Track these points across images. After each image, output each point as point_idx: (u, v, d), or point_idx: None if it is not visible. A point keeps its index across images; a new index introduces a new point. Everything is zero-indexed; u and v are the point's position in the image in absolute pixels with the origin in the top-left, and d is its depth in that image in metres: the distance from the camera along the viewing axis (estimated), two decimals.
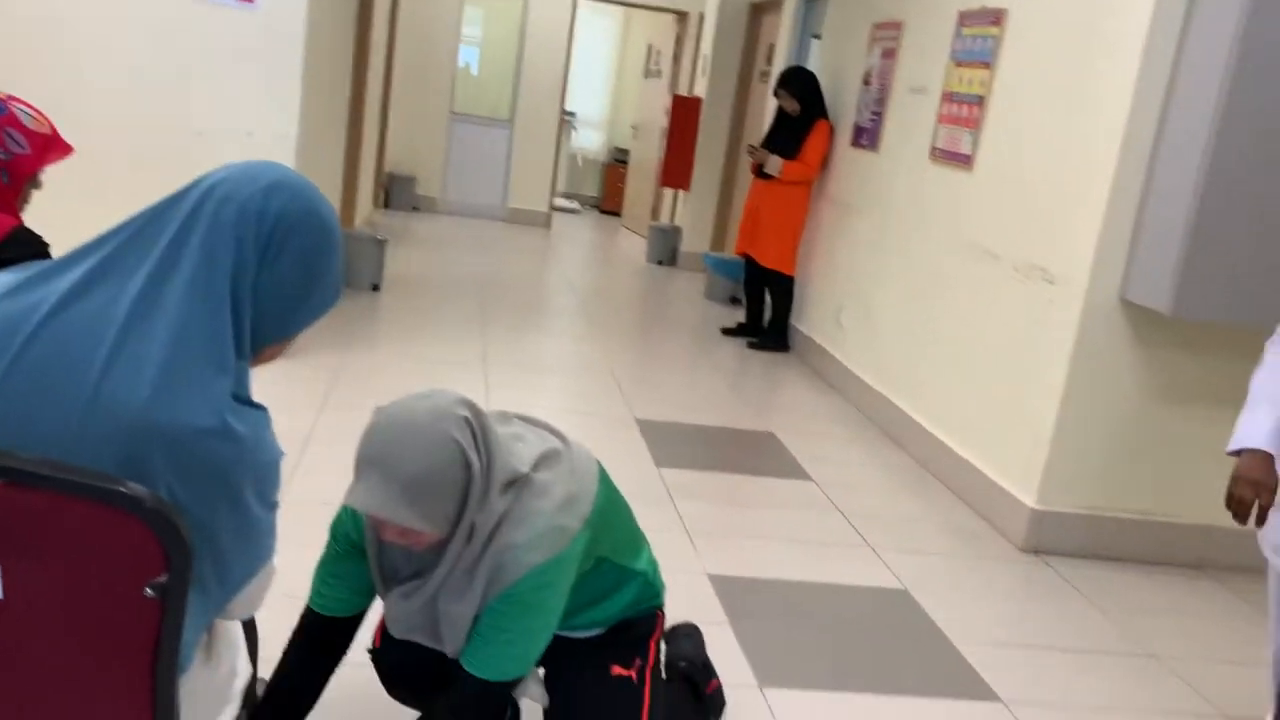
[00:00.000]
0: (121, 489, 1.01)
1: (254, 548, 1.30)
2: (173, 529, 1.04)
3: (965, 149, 4.62)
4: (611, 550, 2.00)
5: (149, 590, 1.06)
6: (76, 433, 1.12)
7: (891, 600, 3.28)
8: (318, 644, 1.90)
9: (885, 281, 5.39)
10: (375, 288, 6.84)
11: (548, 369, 5.61)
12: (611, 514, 2.00)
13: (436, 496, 1.64)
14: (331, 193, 6.60)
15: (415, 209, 11.49)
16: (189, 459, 1.15)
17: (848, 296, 5.88)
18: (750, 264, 6.77)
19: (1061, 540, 3.80)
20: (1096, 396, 3.73)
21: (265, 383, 5.01)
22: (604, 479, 1.98)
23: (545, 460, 1.85)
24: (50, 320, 1.18)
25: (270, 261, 1.31)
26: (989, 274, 4.32)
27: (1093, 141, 3.71)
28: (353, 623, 1.93)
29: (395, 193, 11.24)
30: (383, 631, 2.01)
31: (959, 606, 3.29)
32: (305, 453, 3.81)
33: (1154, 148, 3.54)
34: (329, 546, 1.90)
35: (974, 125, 4.56)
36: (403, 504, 1.60)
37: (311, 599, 1.91)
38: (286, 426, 3.99)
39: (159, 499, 1.03)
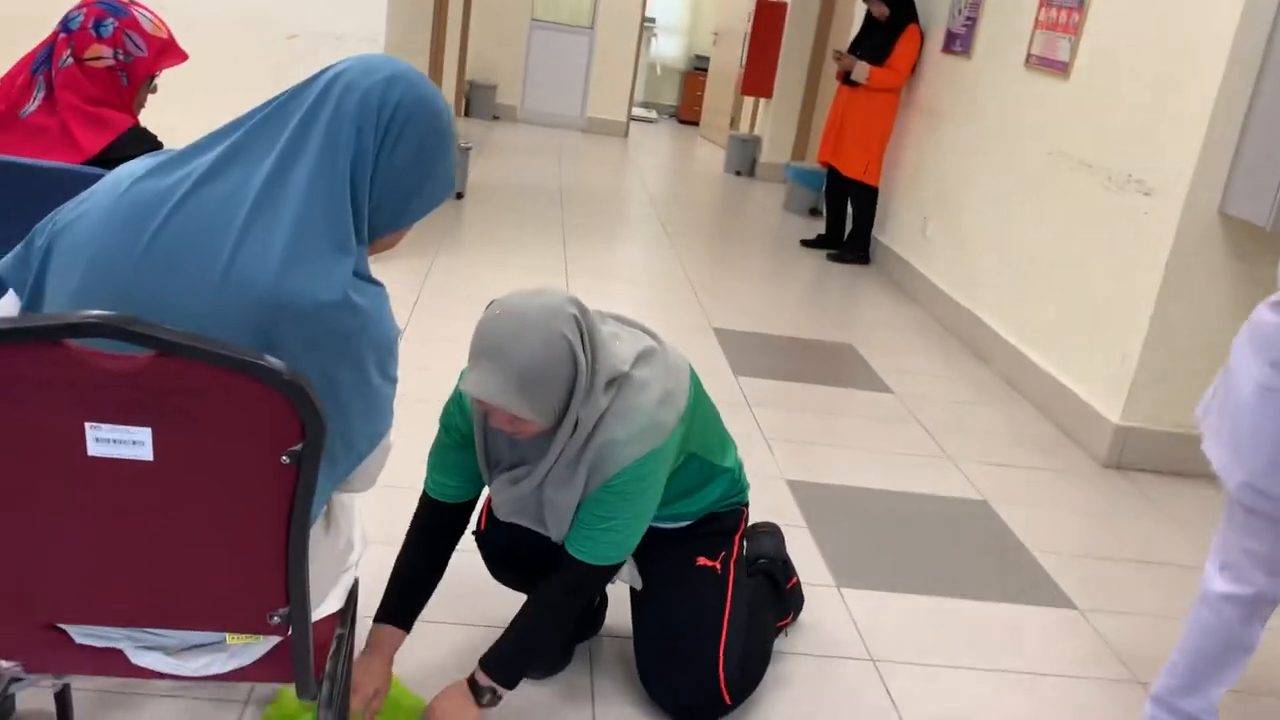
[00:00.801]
0: (262, 362, 1.08)
1: (375, 418, 1.38)
2: (307, 401, 1.11)
3: (1062, 56, 4.48)
4: (701, 446, 2.06)
5: (285, 458, 1.14)
6: (211, 307, 1.20)
7: (970, 510, 3.31)
8: (435, 527, 2.01)
9: (973, 192, 5.29)
10: (459, 195, 6.91)
11: (627, 277, 5.66)
12: (702, 411, 2.05)
13: (545, 388, 1.72)
14: None
15: (495, 118, 11.50)
16: (315, 330, 1.23)
17: (934, 207, 5.79)
18: (832, 174, 6.68)
19: (1144, 457, 3.78)
20: (1188, 311, 3.66)
21: None
22: (694, 378, 2.03)
23: (643, 358, 1.91)
24: (186, 200, 1.25)
25: (388, 150, 1.36)
26: (1082, 185, 4.22)
27: (1198, 51, 3.57)
28: (466, 508, 2.03)
29: (475, 101, 11.25)
30: (488, 515, 2.11)
31: (1038, 518, 3.30)
32: (401, 350, 3.92)
33: (1263, 59, 3.40)
34: (439, 437, 1.99)
35: (1073, 31, 4.41)
36: (514, 393, 1.68)
37: (426, 485, 2.02)
38: None
39: (295, 373, 1.10)
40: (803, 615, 2.54)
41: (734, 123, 11.09)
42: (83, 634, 1.34)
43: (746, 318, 5.13)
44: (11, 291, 1.34)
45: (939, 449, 3.76)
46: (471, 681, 1.88)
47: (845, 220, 6.80)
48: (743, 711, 2.16)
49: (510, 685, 1.89)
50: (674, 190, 8.90)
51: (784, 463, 3.46)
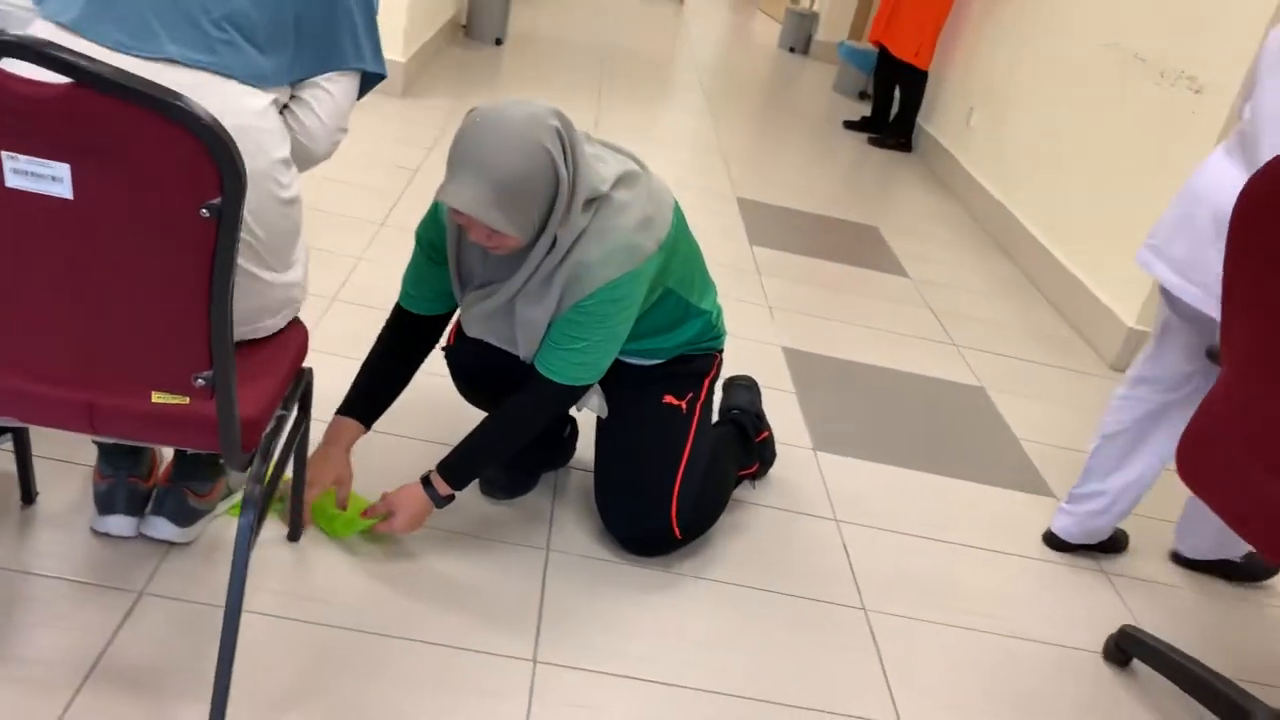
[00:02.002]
0: (180, 104, 1.05)
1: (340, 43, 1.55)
2: (226, 151, 1.08)
3: None
4: (678, 283, 2.03)
5: (204, 211, 1.12)
6: None
7: (964, 394, 3.27)
8: (404, 336, 2.01)
9: (1022, 82, 5.09)
10: (498, 41, 6.76)
11: (657, 138, 5.54)
12: (683, 246, 2.01)
13: (525, 201, 1.68)
14: None
15: None
16: None
17: (980, 97, 5.59)
18: (883, 54, 6.45)
19: None
20: None
21: (382, 117, 5.13)
22: (678, 211, 1.98)
23: (625, 180, 1.86)
24: None
25: None
26: (1132, 79, 4.03)
27: None
28: (437, 322, 2.03)
29: None
30: (457, 332, 2.10)
31: (1034, 410, 3.26)
32: (410, 185, 3.89)
33: None
34: (415, 251, 1.97)
35: None
36: (493, 205, 1.64)
37: (400, 297, 2.00)
38: (398, 160, 4.08)
39: (215, 120, 1.07)
40: (774, 472, 2.54)
41: None
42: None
43: (773, 191, 5.02)
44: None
45: (945, 334, 3.70)
46: (425, 480, 1.91)
47: (892, 104, 6.59)
48: (694, 549, 2.18)
49: (457, 487, 1.91)
50: (722, 61, 8.65)
51: (782, 330, 3.42)
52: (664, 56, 8.08)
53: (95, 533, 1.85)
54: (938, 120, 6.18)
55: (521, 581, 1.99)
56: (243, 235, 1.42)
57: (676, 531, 2.06)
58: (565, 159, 1.73)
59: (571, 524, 2.19)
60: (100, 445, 1.85)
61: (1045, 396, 3.39)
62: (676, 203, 1.98)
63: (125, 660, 1.62)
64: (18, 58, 1.02)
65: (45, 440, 2.02)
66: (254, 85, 1.44)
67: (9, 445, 1.85)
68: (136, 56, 1.35)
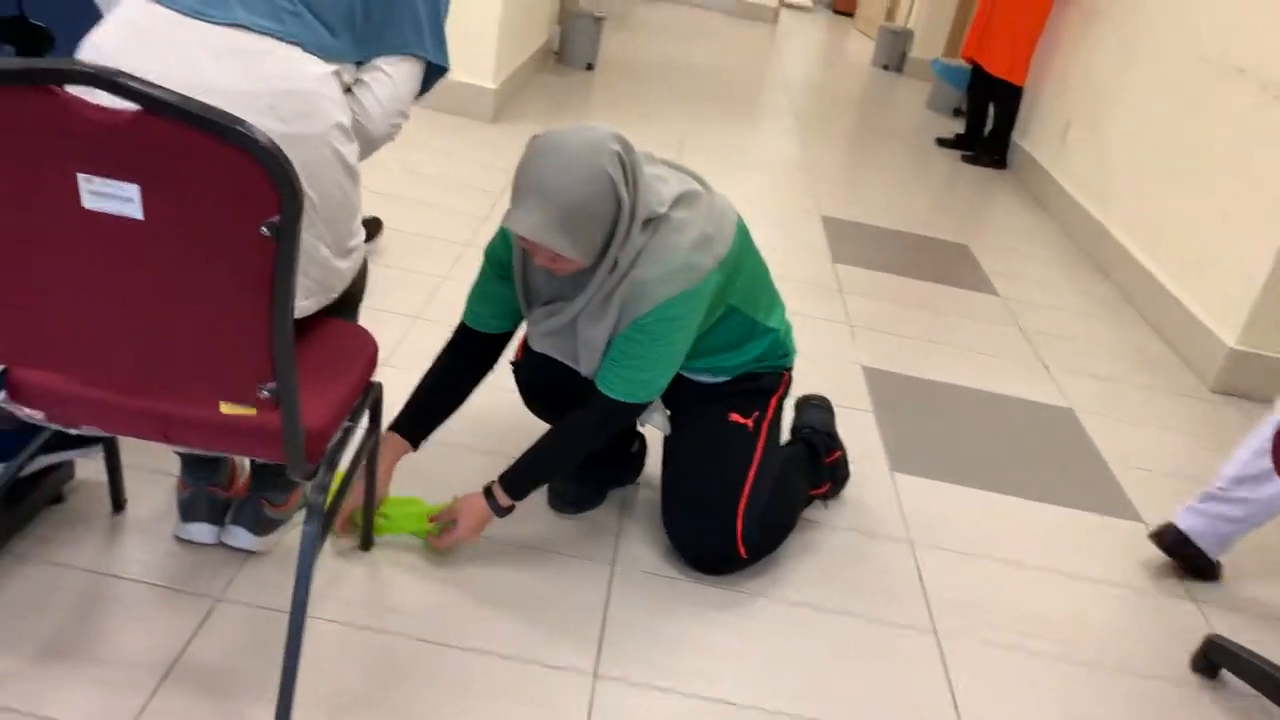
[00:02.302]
0: (239, 128, 1.10)
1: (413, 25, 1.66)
2: (284, 172, 1.13)
3: None
4: (743, 300, 2.03)
5: (264, 229, 1.17)
6: None
7: (1052, 416, 3.18)
8: (466, 355, 2.05)
9: (1121, 97, 4.95)
10: (589, 66, 6.86)
11: (742, 158, 5.54)
12: (747, 264, 2.01)
13: (587, 226, 1.71)
14: None
15: None
16: None
17: (1077, 112, 5.45)
18: (977, 71, 6.34)
19: (1255, 385, 3.55)
20: None
21: (472, 143, 5.22)
22: (742, 229, 1.98)
23: (684, 199, 1.88)
24: None
25: None
26: (1231, 94, 3.89)
27: None
28: (499, 341, 2.06)
29: None
30: (525, 345, 2.14)
31: (1124, 433, 3.16)
32: (495, 208, 3.97)
33: None
34: (482, 268, 2.01)
35: None
36: (556, 230, 1.68)
37: (465, 315, 2.05)
38: (485, 184, 4.17)
39: (272, 142, 1.12)
40: (848, 493, 2.51)
41: (890, 15, 10.61)
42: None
43: (860, 209, 4.98)
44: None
45: (1033, 354, 3.61)
46: (487, 490, 1.95)
47: (986, 121, 6.47)
48: (762, 568, 2.17)
49: (516, 499, 1.95)
50: (813, 80, 8.62)
51: (863, 348, 3.39)
52: (754, 77, 8.09)
53: (178, 539, 1.93)
54: (1033, 136, 6.05)
55: (586, 595, 2.01)
56: None
57: (742, 550, 2.05)
58: (626, 182, 1.75)
59: (638, 540, 2.20)
60: (182, 455, 1.93)
61: (1139, 419, 3.27)
62: (741, 221, 1.99)
63: (200, 663, 1.68)
64: (93, 86, 1.09)
65: (134, 450, 2.12)
66: (317, 55, 1.54)
67: (100, 455, 1.95)
68: (208, 21, 1.48)
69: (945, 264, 4.43)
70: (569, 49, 6.79)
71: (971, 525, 2.51)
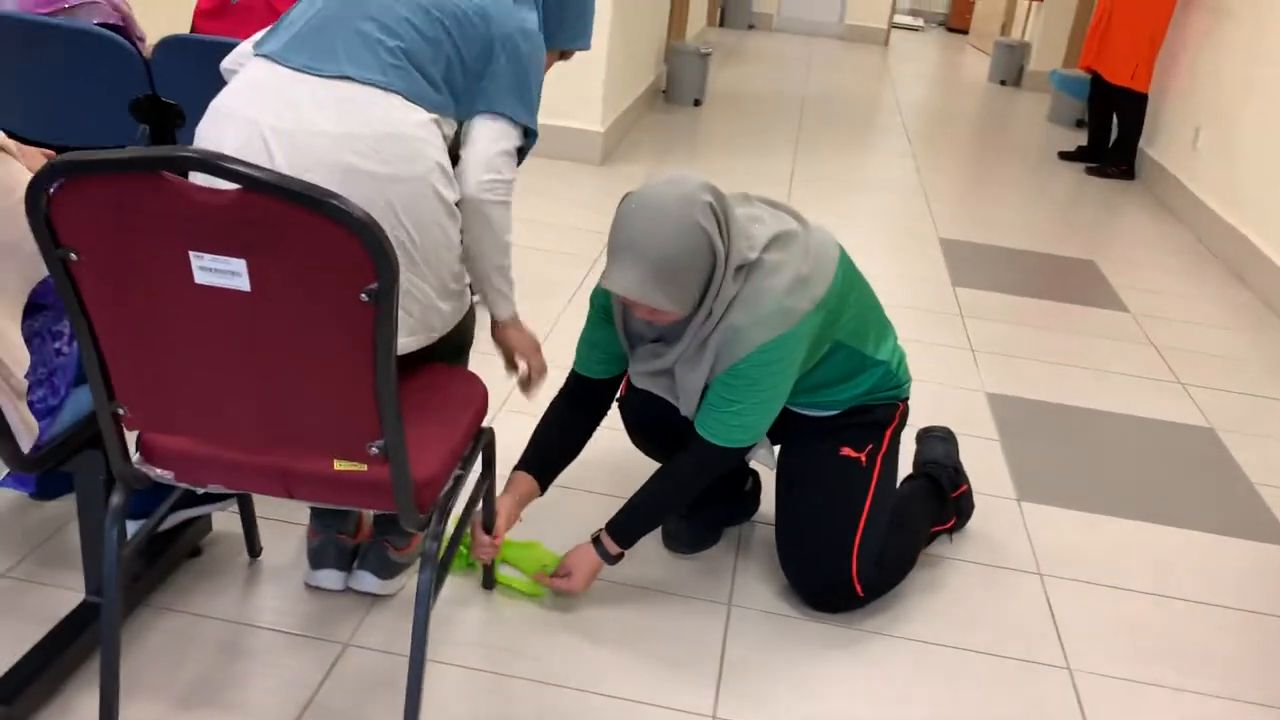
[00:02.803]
0: (335, 203, 1.17)
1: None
2: (378, 242, 1.19)
3: None
4: (850, 336, 2.01)
5: (364, 296, 1.23)
6: None
7: (1191, 437, 3.03)
8: (578, 400, 2.08)
9: (1254, 97, 4.73)
10: (697, 102, 6.91)
11: (854, 185, 5.48)
12: (853, 299, 1.99)
13: (683, 279, 1.73)
14: (662, 7, 6.65)
15: (751, 27, 11.35)
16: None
17: (1208, 116, 5.22)
18: (1096, 80, 6.14)
19: None
20: None
21: (581, 187, 5.31)
22: (844, 264, 1.96)
23: (778, 241, 1.87)
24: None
25: None
26: None
27: None
28: (610, 385, 2.09)
29: (731, 10, 11.13)
30: (629, 383, 2.16)
31: (1273, 451, 2.98)
32: (605, 250, 4.02)
33: None
34: (589, 317, 2.05)
35: None
36: (653, 286, 1.70)
37: (575, 362, 2.08)
38: (590, 227, 4.24)
39: (366, 214, 1.18)
40: (974, 525, 2.44)
41: (1005, 29, 10.38)
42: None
43: (979, 229, 4.87)
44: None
45: (1169, 372, 3.45)
46: (596, 539, 1.96)
47: (1110, 130, 6.25)
48: (883, 605, 2.12)
49: (624, 546, 1.95)
50: (927, 99, 8.49)
51: (987, 375, 3.30)
52: (866, 101, 8.01)
53: (308, 586, 2.01)
54: (1161, 144, 5.82)
55: (702, 635, 2.00)
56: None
57: (858, 588, 2.01)
58: (721, 233, 1.77)
59: (754, 578, 2.18)
60: (311, 506, 2.01)
61: None
62: (844, 255, 1.97)
63: (330, 707, 1.74)
64: (199, 170, 1.17)
65: (268, 503, 2.22)
66: (417, 104, 1.62)
67: (235, 508, 2.04)
68: (317, 75, 1.59)
69: (1070, 282, 4.28)
70: (676, 86, 6.86)
71: (1105, 555, 2.40)
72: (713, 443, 1.89)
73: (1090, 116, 6.41)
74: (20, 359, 1.49)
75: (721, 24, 11.15)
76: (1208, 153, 5.16)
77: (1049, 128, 7.52)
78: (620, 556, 1.97)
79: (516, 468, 2.01)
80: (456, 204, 1.70)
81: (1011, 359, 3.43)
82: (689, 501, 1.96)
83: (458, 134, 1.75)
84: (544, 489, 2.02)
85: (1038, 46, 8.92)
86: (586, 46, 2.01)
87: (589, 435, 2.08)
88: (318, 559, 1.99)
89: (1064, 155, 6.49)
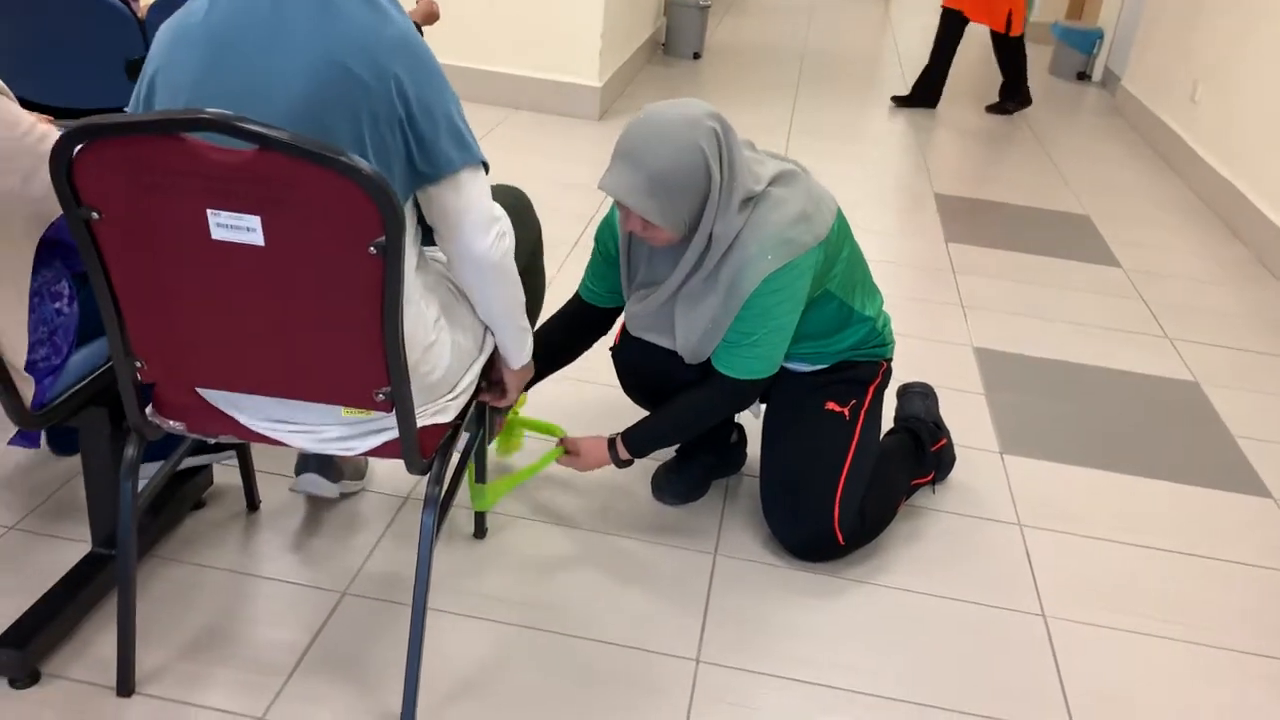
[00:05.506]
0: (344, 159, 1.24)
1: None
2: (386, 196, 1.26)
3: None
4: (840, 287, 2.06)
5: (372, 249, 1.30)
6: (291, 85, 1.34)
7: (1175, 390, 3.08)
8: (578, 318, 2.20)
9: (1253, 52, 4.72)
10: (696, 55, 6.88)
11: (852, 138, 5.49)
12: (847, 252, 2.05)
13: (675, 196, 1.79)
14: None
15: None
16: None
17: (1207, 70, 5.21)
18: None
19: None
20: None
21: (578, 141, 5.31)
22: (841, 217, 2.02)
23: (782, 179, 1.94)
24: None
25: None
26: None
27: None
28: (609, 314, 2.21)
29: None
30: (623, 332, 2.22)
31: (1255, 404, 3.03)
32: (601, 208, 4.06)
33: None
34: (595, 247, 2.14)
35: None
36: (644, 194, 1.77)
37: (580, 288, 2.20)
38: (588, 182, 4.26)
39: (375, 170, 1.26)
40: (955, 477, 2.51)
41: None
42: (235, 407, 1.57)
43: (975, 184, 4.88)
44: None
45: (1158, 327, 3.50)
46: (611, 440, 2.07)
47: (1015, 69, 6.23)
48: (865, 555, 2.19)
49: (633, 454, 2.06)
50: (928, 52, 8.41)
51: (976, 330, 3.34)
52: (867, 56, 7.96)
53: (292, 491, 2.15)
54: (1159, 97, 5.81)
55: (688, 584, 2.07)
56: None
57: (840, 537, 2.08)
58: (720, 160, 1.82)
59: (740, 529, 2.25)
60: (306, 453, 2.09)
61: (1270, 390, 3.14)
62: (840, 209, 2.02)
63: (330, 652, 1.82)
64: (216, 132, 1.22)
65: (268, 457, 2.28)
66: None
67: (234, 461, 2.11)
68: None
69: (1065, 237, 4.31)
70: (675, 39, 6.83)
71: (1085, 505, 2.47)
72: (735, 377, 1.97)
73: (937, 52, 6.26)
74: (20, 337, 1.54)
75: None
76: (1206, 106, 5.15)
77: (1050, 80, 7.48)
78: (629, 463, 2.08)
79: None
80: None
81: (1001, 314, 3.48)
82: (701, 431, 2.07)
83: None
84: (541, 374, 2.13)
85: None
86: None
87: (581, 350, 2.23)
88: (301, 465, 2.09)
89: (897, 99, 6.35)
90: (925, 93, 6.25)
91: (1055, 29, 7.55)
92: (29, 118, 1.52)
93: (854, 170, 4.95)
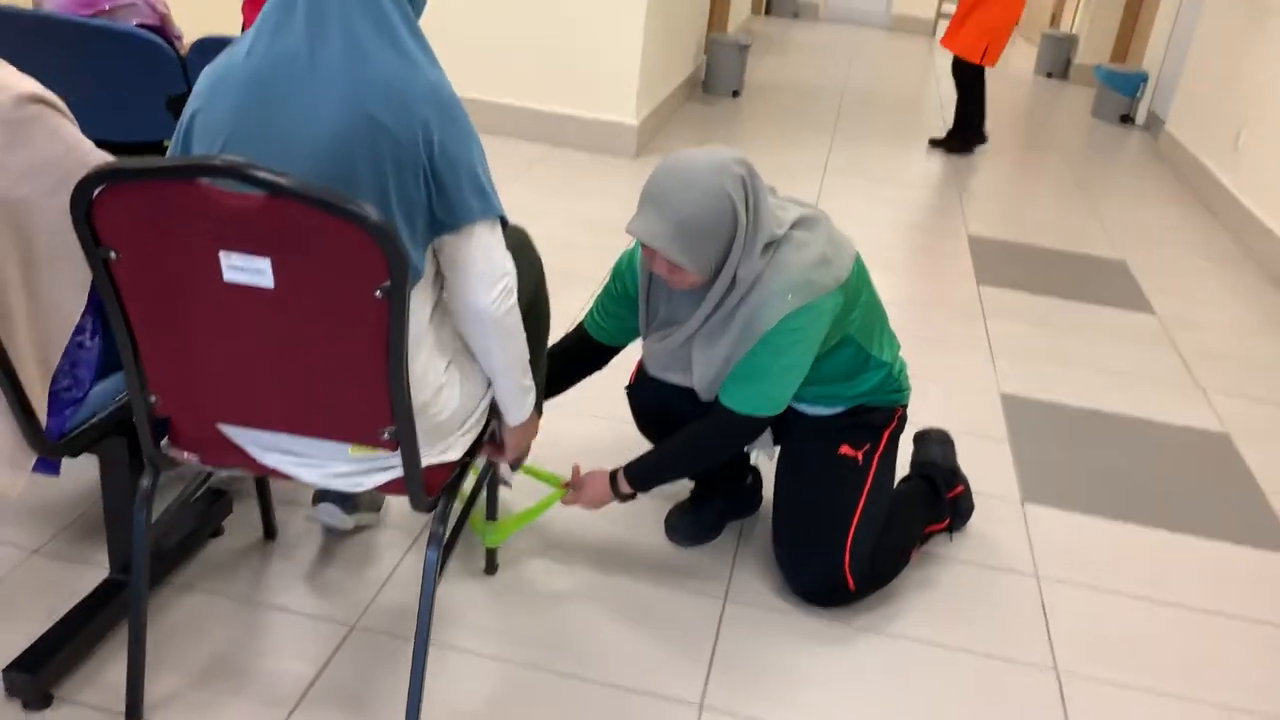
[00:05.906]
0: (352, 207, 1.27)
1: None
2: (392, 243, 1.30)
3: None
4: (859, 332, 2.06)
5: (378, 293, 1.33)
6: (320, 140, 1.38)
7: (1204, 442, 3.03)
8: (577, 351, 2.22)
9: None
10: (735, 94, 6.93)
11: (888, 178, 5.49)
12: (866, 299, 2.06)
13: (702, 240, 1.82)
14: None
15: (796, 16, 11.31)
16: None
17: (1250, 116, 5.16)
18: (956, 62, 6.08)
19: None
20: None
21: (615, 180, 5.37)
22: (860, 264, 2.03)
23: (803, 222, 1.96)
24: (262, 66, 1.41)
25: None
26: None
27: None
28: (608, 352, 2.22)
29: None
30: (639, 371, 2.24)
31: None
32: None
33: None
34: (608, 284, 2.16)
35: None
36: (671, 239, 1.80)
37: (585, 320, 2.21)
38: (622, 220, 4.29)
39: (381, 217, 1.29)
40: (974, 526, 2.48)
41: (1054, 20, 10.26)
42: (247, 440, 1.60)
43: (1011, 226, 4.86)
44: None
45: (1189, 377, 3.45)
46: (613, 475, 2.06)
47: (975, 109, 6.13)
48: (877, 602, 2.18)
49: (635, 489, 2.04)
50: None
51: (1004, 376, 3.32)
52: (907, 93, 7.97)
53: (312, 518, 2.17)
54: (1202, 142, 5.75)
55: (697, 627, 2.07)
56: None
57: (850, 582, 2.07)
58: (746, 205, 1.85)
59: (752, 573, 2.24)
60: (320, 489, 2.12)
61: None
62: (859, 256, 2.03)
63: (334, 686, 1.84)
64: (229, 178, 1.27)
65: (283, 486, 2.32)
66: None
67: (253, 492, 2.14)
68: None
69: (1099, 282, 4.27)
70: (714, 78, 6.89)
71: (1106, 558, 2.43)
72: (735, 411, 1.96)
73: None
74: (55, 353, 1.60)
75: (768, 12, 11.13)
76: (1250, 152, 5.10)
77: (1092, 123, 7.44)
78: (631, 496, 2.07)
79: None
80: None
81: (1029, 360, 3.45)
82: (704, 466, 2.07)
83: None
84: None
85: (1085, 39, 8.81)
86: None
87: (574, 381, 2.23)
88: (320, 495, 2.13)
89: (934, 142, 6.30)
90: (963, 138, 6.17)
91: (1099, 71, 7.51)
92: (88, 141, 1.59)
93: (888, 211, 4.94)
